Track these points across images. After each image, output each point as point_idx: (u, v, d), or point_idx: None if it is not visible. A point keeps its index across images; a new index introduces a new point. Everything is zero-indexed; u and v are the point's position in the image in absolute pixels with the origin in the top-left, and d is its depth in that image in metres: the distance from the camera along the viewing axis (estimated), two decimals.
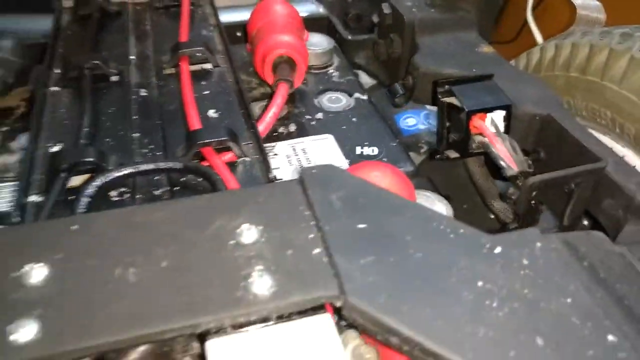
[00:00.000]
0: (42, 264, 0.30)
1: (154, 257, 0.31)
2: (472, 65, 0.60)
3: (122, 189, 0.43)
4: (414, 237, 0.32)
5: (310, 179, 0.36)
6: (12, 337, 0.26)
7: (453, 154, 0.52)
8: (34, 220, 0.40)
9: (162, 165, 0.42)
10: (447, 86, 0.51)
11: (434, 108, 0.79)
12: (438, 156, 0.53)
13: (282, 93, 0.54)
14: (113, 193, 0.42)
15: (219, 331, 0.29)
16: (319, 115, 0.63)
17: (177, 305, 0.28)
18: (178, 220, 0.33)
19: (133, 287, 0.29)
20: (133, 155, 0.47)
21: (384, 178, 0.39)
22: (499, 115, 0.51)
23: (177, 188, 0.44)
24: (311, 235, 0.32)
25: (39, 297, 0.29)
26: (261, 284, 0.29)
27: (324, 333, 0.29)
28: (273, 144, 0.56)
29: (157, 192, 0.43)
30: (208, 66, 0.59)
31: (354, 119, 0.63)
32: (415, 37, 0.67)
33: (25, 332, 0.27)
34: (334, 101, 0.66)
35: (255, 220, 0.33)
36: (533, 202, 0.48)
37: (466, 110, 0.48)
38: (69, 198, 0.41)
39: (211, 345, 0.29)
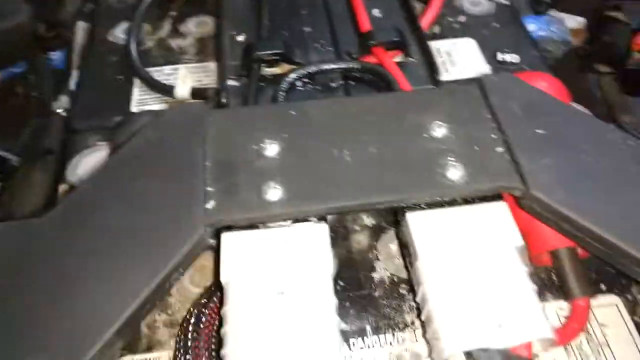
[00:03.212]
0: (274, 141, 0.37)
1: (362, 143, 0.37)
2: None
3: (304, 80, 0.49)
4: (588, 144, 0.36)
5: (490, 85, 0.40)
6: (265, 196, 0.34)
7: (604, 69, 0.54)
8: (235, 101, 0.47)
9: (343, 65, 0.47)
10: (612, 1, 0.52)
11: (559, 14, 0.78)
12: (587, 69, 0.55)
13: None
14: (298, 83, 0.48)
15: (415, 207, 0.36)
16: (462, 19, 0.65)
17: (389, 182, 0.35)
18: (377, 112, 0.39)
19: (350, 165, 0.36)
20: (308, 49, 0.52)
21: (549, 89, 0.43)
22: None
23: (351, 82, 0.49)
24: (493, 136, 0.37)
25: (277, 166, 0.36)
26: (454, 172, 0.35)
27: (502, 216, 0.35)
28: None
29: (333, 85, 0.49)
30: None
31: (495, 24, 0.64)
32: None
33: (274, 193, 0.34)
34: (475, 4, 0.67)
35: (443, 118, 0.38)
36: None
37: (632, 27, 0.50)
38: (261, 84, 0.48)
39: (411, 217, 0.36)
